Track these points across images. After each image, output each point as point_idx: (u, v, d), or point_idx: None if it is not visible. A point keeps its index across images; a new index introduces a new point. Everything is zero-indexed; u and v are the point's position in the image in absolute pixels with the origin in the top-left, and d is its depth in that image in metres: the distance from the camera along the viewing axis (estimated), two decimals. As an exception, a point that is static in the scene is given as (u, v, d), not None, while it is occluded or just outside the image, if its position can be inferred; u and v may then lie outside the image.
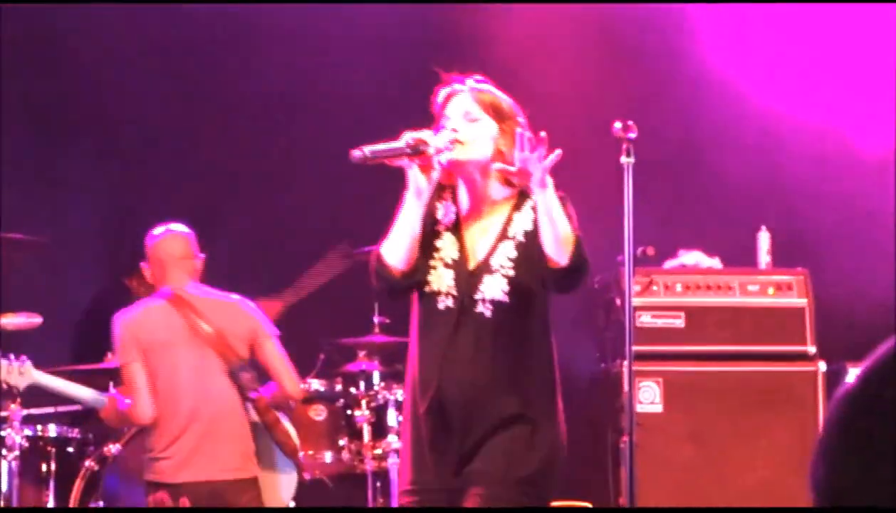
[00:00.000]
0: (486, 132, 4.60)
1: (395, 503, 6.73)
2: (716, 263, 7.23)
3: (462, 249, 4.58)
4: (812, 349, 6.85)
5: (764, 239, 7.25)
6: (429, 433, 4.52)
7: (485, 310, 4.50)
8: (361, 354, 7.28)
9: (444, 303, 4.53)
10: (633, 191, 5.38)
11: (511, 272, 4.52)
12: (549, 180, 4.43)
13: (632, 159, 5.44)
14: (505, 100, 4.70)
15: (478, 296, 4.51)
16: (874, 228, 7.57)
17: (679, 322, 6.94)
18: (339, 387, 7.21)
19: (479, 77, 4.74)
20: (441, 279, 4.55)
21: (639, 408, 6.68)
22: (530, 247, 4.53)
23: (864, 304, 7.25)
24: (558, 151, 4.39)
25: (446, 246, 4.59)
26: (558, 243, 4.42)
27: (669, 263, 7.23)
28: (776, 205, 7.74)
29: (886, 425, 1.13)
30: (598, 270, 6.92)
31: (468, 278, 4.52)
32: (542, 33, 8.01)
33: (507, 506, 4.42)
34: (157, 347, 6.09)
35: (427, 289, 4.56)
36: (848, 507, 1.11)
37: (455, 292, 4.52)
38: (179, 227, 6.31)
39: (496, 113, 4.63)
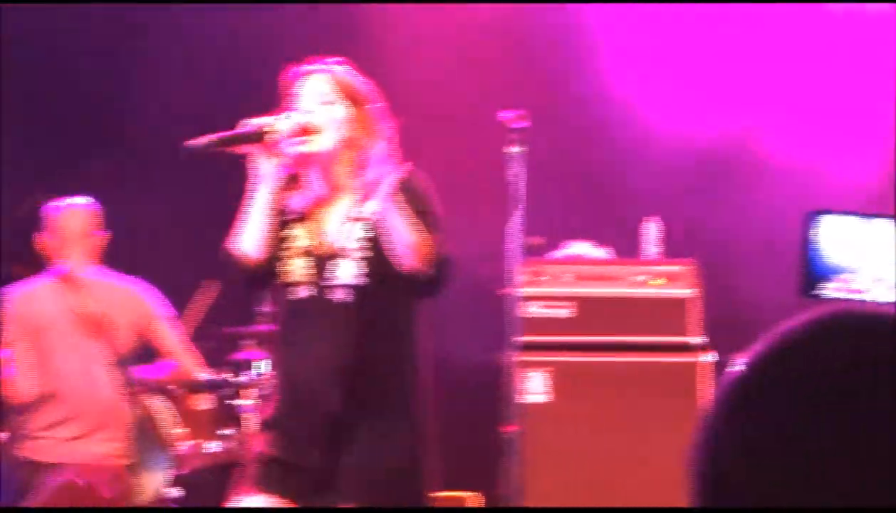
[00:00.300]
0: (340, 117, 4.56)
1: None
2: (606, 253, 7.25)
3: (315, 235, 4.54)
4: (696, 340, 6.88)
5: (652, 230, 7.27)
6: (291, 423, 4.49)
7: (341, 295, 4.46)
8: (247, 343, 7.22)
9: (302, 292, 4.50)
10: (524, 181, 5.36)
11: (366, 254, 4.49)
12: (391, 196, 4.40)
13: (521, 149, 5.42)
14: (363, 85, 4.65)
15: (333, 282, 4.47)
16: (771, 223, 7.62)
17: (568, 312, 6.94)
18: (224, 376, 7.14)
19: (338, 59, 4.70)
20: (296, 268, 4.51)
21: (527, 398, 6.67)
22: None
23: (756, 296, 7.30)
24: (395, 176, 4.36)
25: (300, 235, 4.55)
26: (406, 250, 4.41)
27: (558, 254, 7.23)
28: (670, 196, 7.77)
29: (770, 413, 1.12)
30: (487, 259, 6.91)
31: (322, 265, 4.48)
32: (440, 23, 7.98)
33: (378, 497, 4.40)
34: (43, 327, 6.01)
35: (284, 280, 4.52)
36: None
37: (311, 280, 4.48)
38: (83, 200, 6.20)
39: (352, 97, 4.59)
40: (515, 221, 5.66)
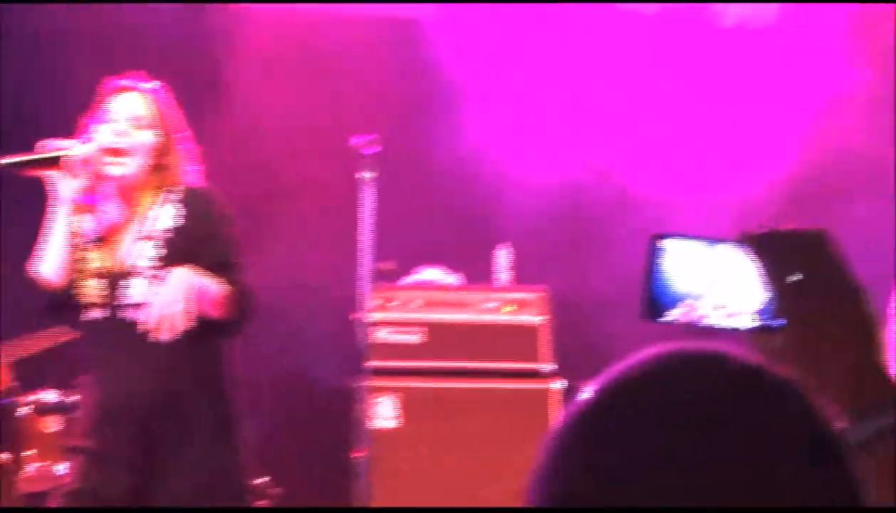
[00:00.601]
0: (149, 142, 4.57)
1: None
2: (456, 279, 7.28)
3: (109, 257, 4.54)
4: (546, 367, 6.94)
5: (503, 257, 7.32)
6: (100, 444, 4.48)
7: (134, 315, 4.46)
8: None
9: (96, 313, 4.49)
10: (376, 207, 5.38)
11: (157, 273, 4.49)
12: (179, 299, 4.41)
13: (373, 174, 5.44)
14: (175, 111, 4.67)
15: (125, 301, 4.47)
16: (625, 251, 7.71)
17: (418, 338, 6.97)
18: (74, 398, 7.03)
19: (157, 82, 4.70)
20: (90, 290, 4.51)
21: (377, 423, 6.67)
22: (178, 243, 4.52)
23: (607, 323, 7.37)
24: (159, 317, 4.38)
25: (95, 257, 4.55)
26: (209, 309, 4.46)
27: (409, 280, 7.25)
28: (522, 223, 7.82)
29: (615, 439, 1.19)
30: (338, 284, 6.92)
31: (115, 285, 4.48)
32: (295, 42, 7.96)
33: None
34: None
35: (83, 302, 4.51)
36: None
37: (104, 301, 4.48)
38: None
39: (164, 123, 4.60)
40: (366, 246, 5.67)
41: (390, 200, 6.25)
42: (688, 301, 1.62)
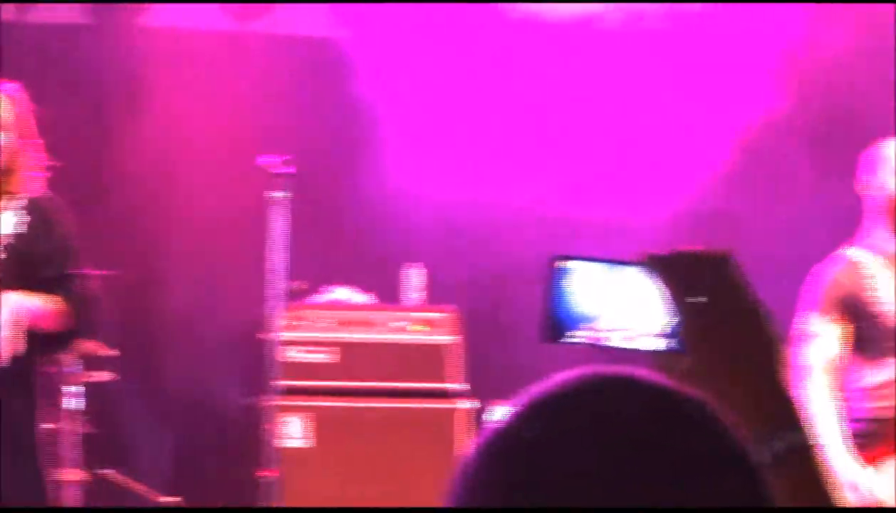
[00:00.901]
0: (6, 145, 4.59)
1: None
2: (368, 300, 7.28)
3: None
4: (455, 387, 6.95)
5: (414, 277, 7.33)
6: None
7: None
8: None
9: None
10: (287, 227, 5.39)
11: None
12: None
13: (284, 194, 5.45)
14: (29, 117, 4.71)
15: None
16: (530, 269, 7.73)
17: (330, 357, 6.96)
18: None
19: (14, 85, 4.72)
20: None
21: (287, 443, 6.66)
22: (22, 249, 4.54)
23: (522, 343, 7.39)
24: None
25: None
26: (47, 324, 4.50)
27: (320, 299, 7.25)
28: (433, 244, 7.83)
29: (528, 460, 1.21)
30: (247, 303, 6.91)
31: None
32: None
33: None
34: None
35: None
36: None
37: None
38: None
39: (18, 127, 4.63)
40: (277, 266, 5.68)
41: (301, 220, 6.25)
42: (590, 323, 1.64)
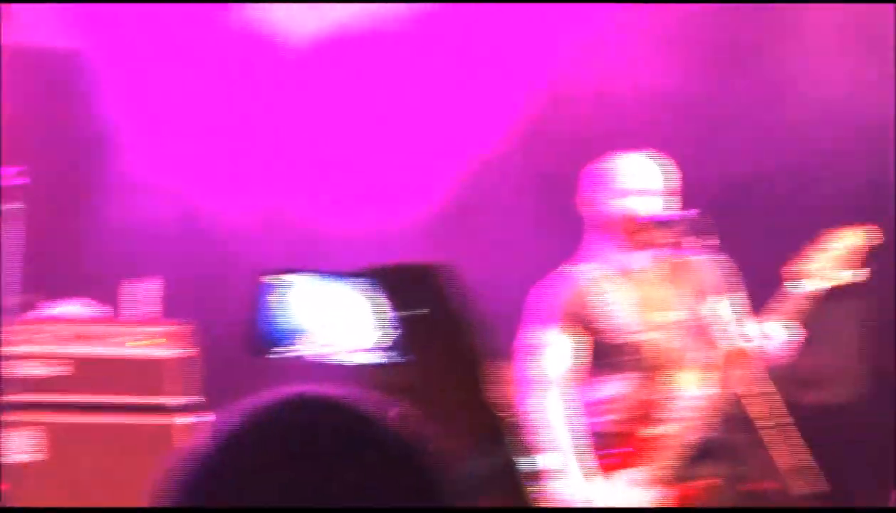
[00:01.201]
0: None
1: None
2: (102, 312, 7.20)
3: None
4: (172, 401, 6.88)
5: (144, 291, 7.23)
6: None
7: None
8: None
9: None
10: (20, 239, 5.31)
11: None
12: None
13: (16, 206, 5.38)
14: None
15: None
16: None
17: (55, 371, 6.88)
18: None
19: None
20: None
21: (15, 458, 6.56)
22: None
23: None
24: None
25: None
26: None
27: (52, 312, 7.14)
28: (178, 254, 7.75)
29: (237, 469, 1.32)
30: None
31: None
32: None
33: None
34: None
35: None
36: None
37: None
38: None
39: None
40: (10, 279, 5.59)
41: (37, 232, 6.17)
42: (300, 336, 1.70)
